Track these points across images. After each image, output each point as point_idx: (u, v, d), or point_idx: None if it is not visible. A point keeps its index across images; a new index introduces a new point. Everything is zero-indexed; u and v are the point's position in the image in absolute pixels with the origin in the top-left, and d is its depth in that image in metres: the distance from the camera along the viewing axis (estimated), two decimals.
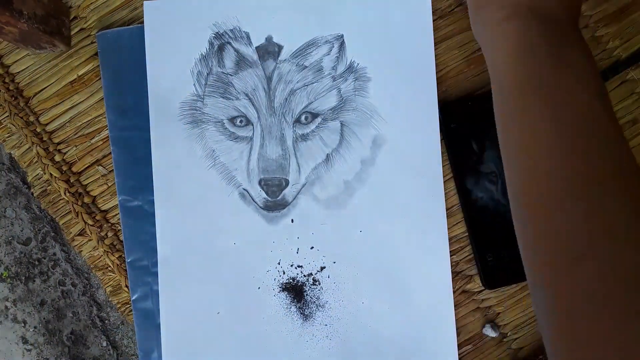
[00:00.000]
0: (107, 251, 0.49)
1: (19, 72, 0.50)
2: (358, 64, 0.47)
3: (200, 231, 0.47)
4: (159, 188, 0.47)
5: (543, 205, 0.32)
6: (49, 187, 0.50)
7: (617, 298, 0.28)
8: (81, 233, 0.50)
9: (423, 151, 0.47)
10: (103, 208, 0.50)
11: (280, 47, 0.47)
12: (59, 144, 0.50)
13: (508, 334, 0.47)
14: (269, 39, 0.47)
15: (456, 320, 0.46)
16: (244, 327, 0.47)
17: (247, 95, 0.47)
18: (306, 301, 0.47)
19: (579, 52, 0.34)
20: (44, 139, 0.50)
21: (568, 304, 0.30)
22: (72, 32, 0.50)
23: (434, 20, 0.47)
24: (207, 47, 0.48)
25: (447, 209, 0.47)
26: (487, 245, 0.46)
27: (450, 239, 0.47)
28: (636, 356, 0.27)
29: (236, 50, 0.48)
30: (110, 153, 0.49)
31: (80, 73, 0.49)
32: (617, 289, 0.29)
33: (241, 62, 0.47)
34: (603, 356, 0.28)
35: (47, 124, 0.50)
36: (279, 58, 0.47)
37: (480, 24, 0.38)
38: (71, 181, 0.49)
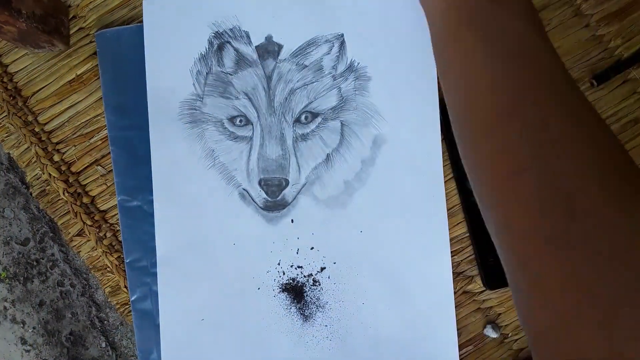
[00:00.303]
0: (106, 251, 0.49)
1: (17, 71, 0.50)
2: (358, 63, 0.47)
3: (199, 231, 0.47)
4: (159, 188, 0.47)
5: (483, 127, 0.34)
6: (48, 187, 0.50)
7: (555, 204, 0.30)
8: (80, 233, 0.49)
9: (424, 151, 0.46)
10: (102, 208, 0.49)
11: (280, 47, 0.47)
12: (57, 143, 0.49)
13: (509, 335, 0.47)
14: (268, 38, 0.47)
15: (457, 321, 0.46)
16: (244, 327, 0.47)
17: (246, 94, 0.47)
18: (306, 302, 0.47)
19: None
20: (43, 138, 0.49)
21: (514, 214, 0.32)
22: (71, 32, 0.49)
23: None
24: (207, 47, 0.47)
25: (448, 209, 0.47)
26: (488, 245, 0.46)
27: (451, 239, 0.46)
28: (575, 250, 0.29)
29: (236, 50, 0.47)
30: (109, 153, 0.49)
31: (79, 72, 0.49)
32: (554, 196, 0.30)
33: (241, 61, 0.47)
34: (555, 259, 0.30)
35: (45, 124, 0.49)
36: (279, 57, 0.47)
37: None
38: (70, 181, 0.49)
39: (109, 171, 0.49)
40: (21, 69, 0.50)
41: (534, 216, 0.31)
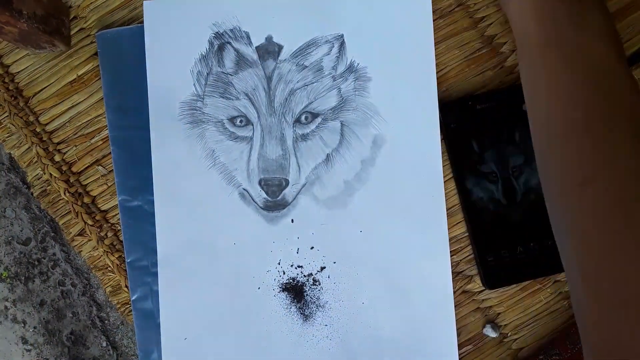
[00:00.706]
0: (107, 251, 0.49)
1: (18, 72, 0.50)
2: (358, 63, 0.47)
3: (200, 231, 0.47)
4: (159, 188, 0.47)
5: (556, 139, 0.37)
6: (49, 187, 0.50)
7: (615, 215, 0.34)
8: (81, 233, 0.50)
9: (423, 151, 0.46)
10: (103, 208, 0.49)
11: (280, 47, 0.47)
12: (58, 143, 0.50)
13: (508, 334, 0.47)
14: (269, 39, 0.47)
15: (456, 320, 0.46)
16: (244, 327, 0.47)
17: (247, 95, 0.47)
18: (306, 301, 0.47)
19: (596, 13, 0.38)
20: (44, 138, 0.50)
21: (577, 223, 0.35)
22: (72, 32, 0.50)
23: (434, 20, 0.47)
24: (207, 47, 0.48)
25: (447, 209, 0.47)
26: (488, 245, 0.46)
27: (450, 239, 0.47)
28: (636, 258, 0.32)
29: (236, 50, 0.47)
30: (110, 153, 0.49)
31: (80, 73, 0.49)
32: (616, 208, 0.34)
33: (241, 61, 0.47)
34: (611, 263, 0.33)
35: (46, 124, 0.50)
36: (279, 58, 0.47)
37: (507, 6, 0.42)
38: (71, 181, 0.49)
39: (110, 171, 0.49)
40: (22, 70, 0.50)
41: (592, 225, 0.34)
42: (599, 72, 0.37)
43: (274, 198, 0.47)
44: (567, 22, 0.38)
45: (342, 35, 0.47)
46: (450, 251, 0.46)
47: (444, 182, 0.47)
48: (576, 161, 0.36)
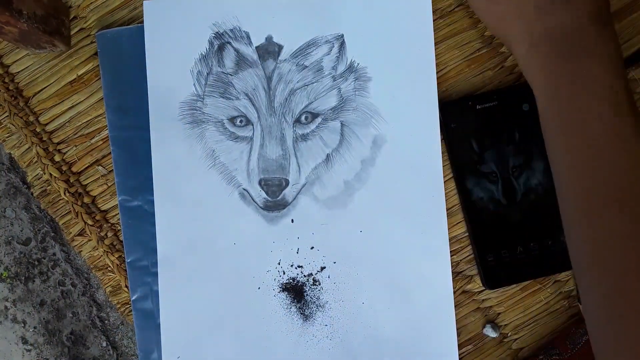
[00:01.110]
0: (107, 251, 0.49)
1: (18, 72, 0.50)
2: (358, 63, 0.47)
3: (200, 231, 0.47)
4: (159, 188, 0.47)
5: (567, 220, 0.36)
6: (49, 187, 0.50)
7: (608, 303, 0.33)
8: (81, 233, 0.50)
9: (423, 151, 0.46)
10: (103, 208, 0.49)
11: (280, 47, 0.47)
12: (58, 143, 0.50)
13: (508, 334, 0.47)
14: (269, 39, 0.47)
15: (456, 320, 0.46)
16: (244, 327, 0.47)
17: (247, 95, 0.47)
18: (306, 301, 0.47)
19: (596, 61, 0.34)
20: (44, 138, 0.50)
21: (585, 311, 0.36)
22: (72, 32, 0.49)
23: (434, 20, 0.47)
24: (207, 47, 0.48)
25: (447, 209, 0.47)
26: (488, 245, 0.46)
27: (450, 239, 0.47)
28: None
29: (236, 50, 0.47)
30: (110, 153, 0.49)
31: (80, 73, 0.49)
32: (606, 300, 0.33)
33: (241, 62, 0.47)
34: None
35: (46, 124, 0.50)
36: (279, 58, 0.47)
37: (514, 53, 0.40)
38: (71, 181, 0.49)
39: (110, 171, 0.49)
40: (22, 70, 0.50)
41: (597, 325, 0.35)
42: (601, 143, 0.34)
43: (274, 198, 0.47)
44: (562, 81, 0.35)
45: (342, 35, 0.47)
46: (450, 251, 0.46)
47: (444, 182, 0.47)
48: (575, 248, 0.35)
